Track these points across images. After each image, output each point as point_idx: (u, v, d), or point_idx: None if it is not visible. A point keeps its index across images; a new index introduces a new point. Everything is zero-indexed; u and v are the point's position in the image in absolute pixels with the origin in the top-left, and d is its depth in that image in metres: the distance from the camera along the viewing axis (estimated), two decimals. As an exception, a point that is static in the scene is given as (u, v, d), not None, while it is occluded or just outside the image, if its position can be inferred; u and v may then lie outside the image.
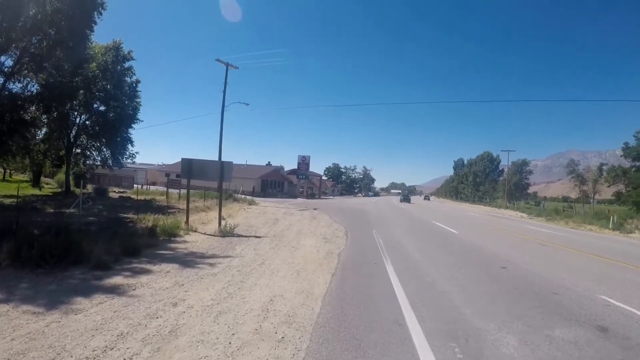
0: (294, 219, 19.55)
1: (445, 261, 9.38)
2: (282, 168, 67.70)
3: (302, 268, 7.80)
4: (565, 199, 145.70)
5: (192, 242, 10.77)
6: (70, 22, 19.36)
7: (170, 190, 30.45)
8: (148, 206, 21.30)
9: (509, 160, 74.11)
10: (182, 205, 21.92)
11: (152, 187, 44.35)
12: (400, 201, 60.45)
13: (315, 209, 28.24)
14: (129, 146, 30.75)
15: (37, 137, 28.86)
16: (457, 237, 15.21)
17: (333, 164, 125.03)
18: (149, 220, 13.43)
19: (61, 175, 33.47)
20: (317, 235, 13.27)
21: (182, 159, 14.86)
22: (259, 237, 12.43)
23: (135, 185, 44.26)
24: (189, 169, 14.41)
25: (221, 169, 14.20)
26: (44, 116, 25.41)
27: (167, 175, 64.15)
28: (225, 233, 12.43)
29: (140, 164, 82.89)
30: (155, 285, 6.08)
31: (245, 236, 12.44)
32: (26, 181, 37.74)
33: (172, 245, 10.12)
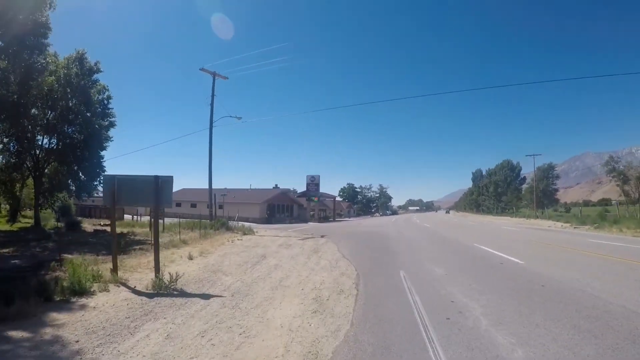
0: (287, 254, 14.37)
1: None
2: (289, 191, 62.57)
3: None
4: (586, 203, 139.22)
5: (91, 308, 6.51)
6: (10, 26, 15.94)
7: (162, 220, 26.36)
8: (118, 242, 16.93)
9: (534, 166, 67.33)
10: (161, 238, 18.05)
11: (146, 218, 39.81)
12: None
13: (322, 237, 22.97)
14: (100, 172, 26.43)
15: None
16: (532, 272, 9.69)
17: (348, 184, 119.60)
18: (75, 265, 8.86)
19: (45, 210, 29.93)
20: (307, 290, 7.99)
21: (103, 176, 10.09)
22: (208, 297, 7.43)
23: (127, 216, 40.01)
24: (113, 191, 9.66)
25: (156, 189, 9.39)
26: None
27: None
28: (161, 288, 7.83)
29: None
30: None
31: (188, 295, 7.59)
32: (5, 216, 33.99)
33: (54, 315, 6.03)
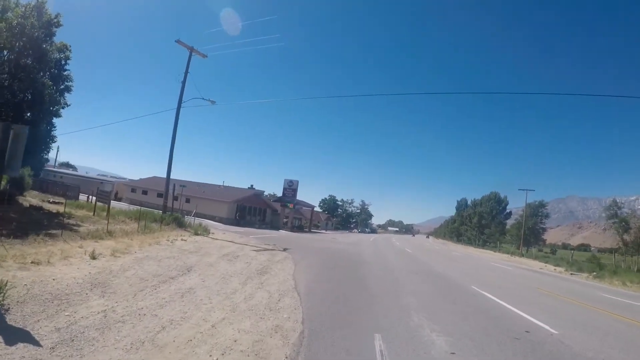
0: (221, 271, 10.42)
1: None
2: (263, 193, 58.23)
3: None
4: (565, 246, 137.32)
5: None
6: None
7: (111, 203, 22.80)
8: (40, 223, 13.51)
9: (526, 201, 62.92)
10: (94, 225, 15.33)
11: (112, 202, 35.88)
12: None
13: (285, 250, 19.02)
14: (51, 143, 22.49)
15: None
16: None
17: (329, 195, 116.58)
18: None
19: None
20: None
21: None
22: (14, 342, 3.94)
23: (83, 196, 36.06)
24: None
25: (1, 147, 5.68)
26: None
27: (133, 190, 56.48)
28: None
29: (115, 177, 74.69)
30: None
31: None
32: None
33: None
